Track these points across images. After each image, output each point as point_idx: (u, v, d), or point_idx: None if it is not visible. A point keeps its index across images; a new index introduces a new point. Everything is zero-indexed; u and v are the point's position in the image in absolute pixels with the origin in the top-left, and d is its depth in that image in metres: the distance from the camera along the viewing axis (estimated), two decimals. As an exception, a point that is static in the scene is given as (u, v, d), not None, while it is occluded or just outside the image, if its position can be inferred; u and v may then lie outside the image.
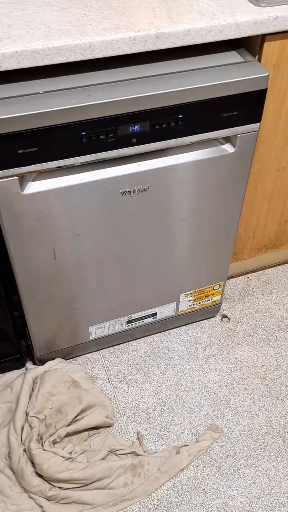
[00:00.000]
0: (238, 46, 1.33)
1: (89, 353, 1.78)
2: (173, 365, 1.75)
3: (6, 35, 1.11)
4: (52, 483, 1.40)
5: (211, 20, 1.19)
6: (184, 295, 1.72)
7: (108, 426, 1.58)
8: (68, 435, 1.50)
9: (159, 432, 1.58)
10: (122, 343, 1.82)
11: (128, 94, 1.15)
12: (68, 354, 1.73)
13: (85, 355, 1.78)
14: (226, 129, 1.30)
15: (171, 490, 1.45)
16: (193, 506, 1.42)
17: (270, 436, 1.57)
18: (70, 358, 1.76)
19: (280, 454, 1.53)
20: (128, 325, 1.73)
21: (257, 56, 1.34)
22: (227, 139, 1.35)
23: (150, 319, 1.75)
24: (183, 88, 1.18)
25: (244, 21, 1.20)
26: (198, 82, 1.19)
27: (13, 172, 1.17)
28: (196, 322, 1.89)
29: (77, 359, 1.77)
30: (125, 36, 1.13)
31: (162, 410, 1.63)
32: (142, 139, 1.23)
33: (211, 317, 1.91)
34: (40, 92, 1.14)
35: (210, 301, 1.81)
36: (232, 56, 1.29)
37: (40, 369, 1.63)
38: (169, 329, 1.86)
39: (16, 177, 1.18)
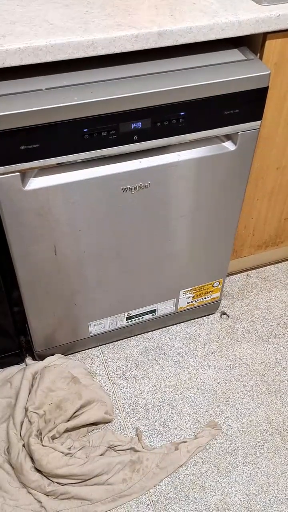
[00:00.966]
0: (240, 44, 1.34)
1: (88, 349, 1.79)
2: (172, 361, 1.76)
3: (9, 31, 1.11)
4: (51, 479, 1.41)
5: (213, 18, 1.19)
6: (183, 292, 1.73)
7: (107, 422, 1.58)
8: (67, 430, 1.50)
9: (158, 428, 1.58)
10: (122, 339, 1.82)
11: (130, 91, 1.15)
12: (67, 349, 1.73)
13: (84, 351, 1.78)
14: (227, 127, 1.30)
15: (170, 487, 1.46)
16: (192, 502, 1.43)
17: (268, 433, 1.58)
18: (70, 354, 1.76)
19: (279, 451, 1.54)
20: (128, 322, 1.74)
21: (258, 54, 1.35)
22: (228, 137, 1.35)
23: (149, 316, 1.76)
24: (185, 86, 1.18)
25: (246, 19, 1.20)
26: (200, 80, 1.19)
27: (15, 168, 1.17)
28: (195, 319, 1.89)
29: (77, 355, 1.77)
30: (127, 33, 1.13)
31: (161, 406, 1.64)
32: (144, 136, 1.23)
33: (211, 314, 1.91)
34: (43, 89, 1.14)
35: (210, 298, 1.81)
36: (234, 54, 1.29)
37: (40, 364, 1.64)
38: (168, 326, 1.86)
39: (18, 173, 1.18)
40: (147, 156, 1.30)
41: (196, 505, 1.43)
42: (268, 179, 1.68)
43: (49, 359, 1.67)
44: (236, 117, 1.29)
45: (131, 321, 1.74)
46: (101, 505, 1.40)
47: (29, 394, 1.55)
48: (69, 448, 1.46)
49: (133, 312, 1.71)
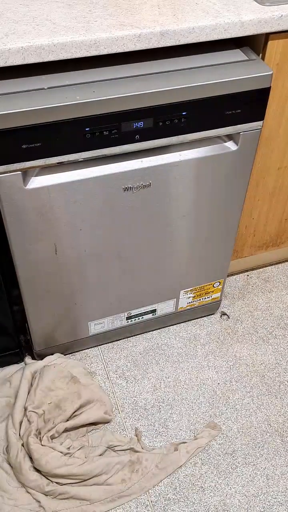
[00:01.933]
0: (242, 45, 1.34)
1: (88, 348, 1.79)
2: (172, 362, 1.76)
3: (12, 30, 1.11)
4: (50, 478, 1.40)
5: (216, 18, 1.19)
6: (184, 292, 1.73)
7: (107, 422, 1.58)
8: (66, 430, 1.50)
9: (157, 429, 1.58)
10: (121, 339, 1.82)
11: (132, 90, 1.15)
12: (67, 349, 1.73)
13: (84, 351, 1.78)
14: (229, 127, 1.30)
15: (169, 487, 1.46)
16: (191, 503, 1.43)
17: (268, 435, 1.58)
18: (69, 353, 1.76)
19: (278, 452, 1.54)
20: (128, 321, 1.74)
21: (261, 55, 1.35)
22: (229, 137, 1.35)
23: (149, 316, 1.76)
24: (187, 86, 1.18)
25: (249, 19, 1.20)
26: (202, 80, 1.19)
27: (16, 166, 1.17)
28: (195, 319, 1.89)
29: (76, 355, 1.77)
30: (130, 33, 1.13)
31: (160, 406, 1.64)
32: (145, 135, 1.23)
33: (211, 315, 1.91)
34: (45, 88, 1.14)
35: (210, 298, 1.81)
36: (236, 54, 1.29)
37: (39, 364, 1.64)
38: (168, 326, 1.86)
39: (19, 172, 1.18)
40: (149, 155, 1.30)
41: (195, 506, 1.42)
42: (269, 180, 1.68)
43: (48, 359, 1.67)
44: (238, 117, 1.28)
45: (131, 321, 1.74)
46: (100, 505, 1.40)
47: (28, 393, 1.54)
48: (68, 448, 1.45)
49: (133, 312, 1.71)
